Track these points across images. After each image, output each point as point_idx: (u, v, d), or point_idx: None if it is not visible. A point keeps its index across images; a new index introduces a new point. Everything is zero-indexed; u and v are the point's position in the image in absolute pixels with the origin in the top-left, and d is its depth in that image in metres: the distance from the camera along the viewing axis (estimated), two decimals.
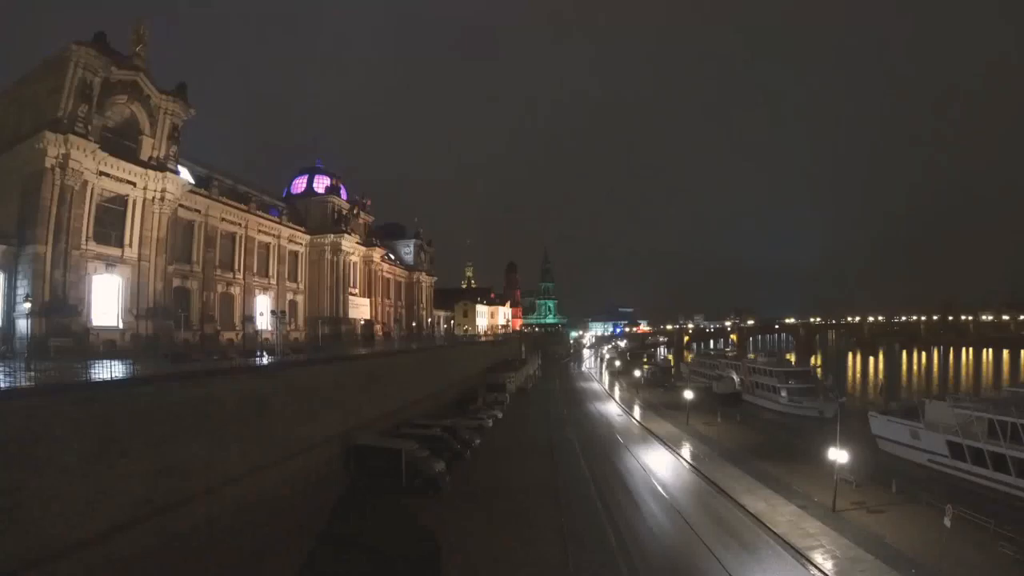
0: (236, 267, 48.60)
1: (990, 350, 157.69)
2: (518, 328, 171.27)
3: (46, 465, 14.70)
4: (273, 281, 54.13)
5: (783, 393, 58.25)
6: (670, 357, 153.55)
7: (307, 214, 61.66)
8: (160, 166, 36.52)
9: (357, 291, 67.02)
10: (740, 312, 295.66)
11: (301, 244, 58.85)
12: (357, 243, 65.33)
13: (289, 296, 56.53)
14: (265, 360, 30.52)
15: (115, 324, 33.97)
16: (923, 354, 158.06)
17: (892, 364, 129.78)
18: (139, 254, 35.32)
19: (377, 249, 72.96)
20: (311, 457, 27.72)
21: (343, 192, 65.65)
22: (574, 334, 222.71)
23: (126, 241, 34.71)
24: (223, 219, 46.66)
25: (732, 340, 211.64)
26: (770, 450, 38.75)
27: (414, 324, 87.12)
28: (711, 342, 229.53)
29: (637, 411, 57.58)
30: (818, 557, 21.16)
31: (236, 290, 48.51)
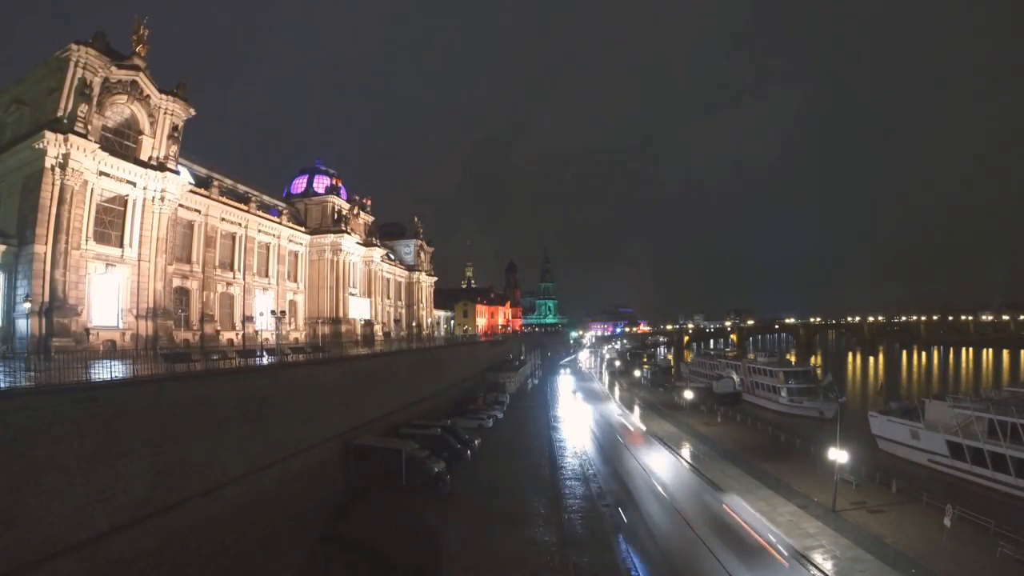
0: (236, 267, 48.57)
1: (990, 350, 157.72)
2: (518, 328, 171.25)
3: (46, 465, 14.70)
4: (273, 281, 54.10)
5: (783, 393, 58.30)
6: (670, 357, 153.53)
7: (307, 214, 61.65)
8: (160, 166, 36.50)
9: (357, 291, 66.92)
10: (740, 312, 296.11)
11: (301, 244, 58.82)
12: (357, 243, 65.29)
13: (289, 296, 56.52)
14: (265, 360, 30.49)
15: (115, 324, 33.94)
16: (923, 354, 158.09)
17: (892, 364, 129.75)
18: (139, 254, 35.28)
19: (377, 249, 72.84)
20: (311, 457, 27.70)
21: (343, 192, 65.53)
22: (574, 334, 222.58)
23: (126, 241, 34.67)
24: (223, 219, 46.65)
25: (732, 340, 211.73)
26: (770, 450, 38.77)
27: (414, 324, 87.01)
28: (711, 342, 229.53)
29: (637, 411, 57.56)
30: (818, 557, 21.18)
31: (236, 290, 48.49)
